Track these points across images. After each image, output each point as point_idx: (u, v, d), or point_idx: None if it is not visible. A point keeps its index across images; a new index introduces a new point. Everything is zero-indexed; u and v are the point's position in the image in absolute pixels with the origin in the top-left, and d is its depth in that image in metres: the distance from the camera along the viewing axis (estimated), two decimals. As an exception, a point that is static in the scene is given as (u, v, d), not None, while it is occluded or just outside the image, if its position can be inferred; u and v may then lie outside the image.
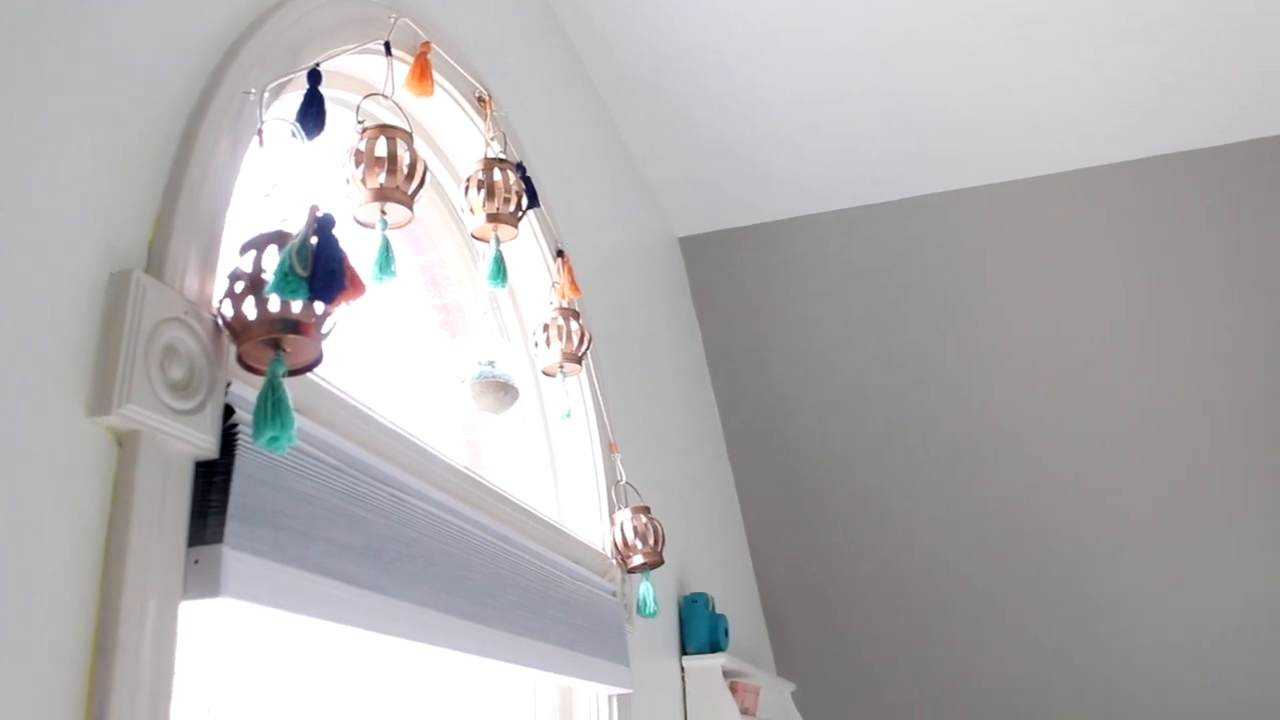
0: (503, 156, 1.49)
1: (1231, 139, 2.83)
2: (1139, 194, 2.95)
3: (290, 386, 0.87)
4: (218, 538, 0.84)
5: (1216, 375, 3.05)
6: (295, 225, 0.88)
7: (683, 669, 2.38)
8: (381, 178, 1.17)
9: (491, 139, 1.60)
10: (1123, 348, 3.09)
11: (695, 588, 2.63)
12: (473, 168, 1.45)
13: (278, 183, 0.99)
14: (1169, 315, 3.03)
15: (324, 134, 1.10)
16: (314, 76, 1.12)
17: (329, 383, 1.06)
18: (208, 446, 0.86)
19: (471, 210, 1.44)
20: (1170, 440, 3.14)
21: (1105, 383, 3.13)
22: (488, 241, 1.44)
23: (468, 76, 1.63)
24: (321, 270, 0.84)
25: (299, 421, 0.89)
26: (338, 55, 1.23)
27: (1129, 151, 2.89)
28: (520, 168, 1.50)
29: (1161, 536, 3.22)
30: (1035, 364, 3.17)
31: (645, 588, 1.90)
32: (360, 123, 1.21)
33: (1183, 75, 2.60)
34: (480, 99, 1.65)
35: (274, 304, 0.86)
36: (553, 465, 1.96)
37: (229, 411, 0.89)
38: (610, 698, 1.82)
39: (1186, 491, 3.17)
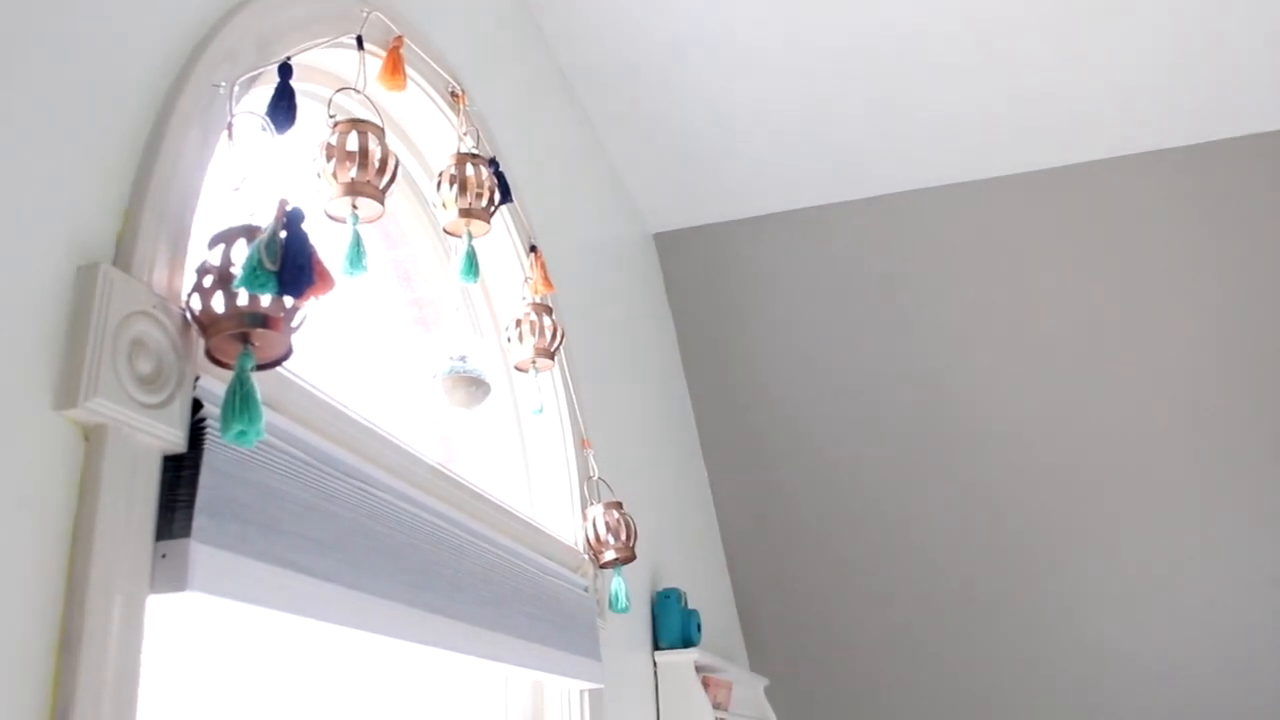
0: (475, 151, 1.49)
1: (1205, 138, 2.86)
2: (1116, 191, 2.98)
3: (259, 381, 0.87)
4: (185, 532, 0.83)
5: (1197, 367, 3.08)
6: (264, 219, 0.88)
7: (655, 664, 2.39)
8: (353, 172, 1.17)
9: (464, 134, 1.60)
10: (1103, 338, 3.12)
11: (668, 583, 2.64)
12: (445, 163, 1.45)
13: (247, 177, 0.99)
14: (1147, 308, 3.06)
15: (295, 128, 1.10)
16: (285, 70, 1.12)
17: (298, 377, 1.06)
18: (175, 440, 0.85)
19: (444, 205, 1.44)
20: (1148, 432, 3.17)
21: (1083, 375, 3.16)
22: (460, 236, 1.44)
23: (441, 71, 1.63)
24: (290, 264, 0.84)
25: (268, 416, 0.89)
26: (309, 49, 1.23)
27: (1105, 150, 2.92)
28: (493, 163, 1.50)
29: (1139, 527, 3.26)
30: (1011, 357, 3.20)
31: (617, 583, 1.90)
32: (332, 117, 1.21)
33: (1167, 72, 2.63)
34: (453, 94, 1.65)
35: (242, 298, 0.86)
36: (525, 460, 1.97)
37: (197, 405, 0.89)
38: (582, 693, 1.83)
39: (1164, 481, 3.20)
